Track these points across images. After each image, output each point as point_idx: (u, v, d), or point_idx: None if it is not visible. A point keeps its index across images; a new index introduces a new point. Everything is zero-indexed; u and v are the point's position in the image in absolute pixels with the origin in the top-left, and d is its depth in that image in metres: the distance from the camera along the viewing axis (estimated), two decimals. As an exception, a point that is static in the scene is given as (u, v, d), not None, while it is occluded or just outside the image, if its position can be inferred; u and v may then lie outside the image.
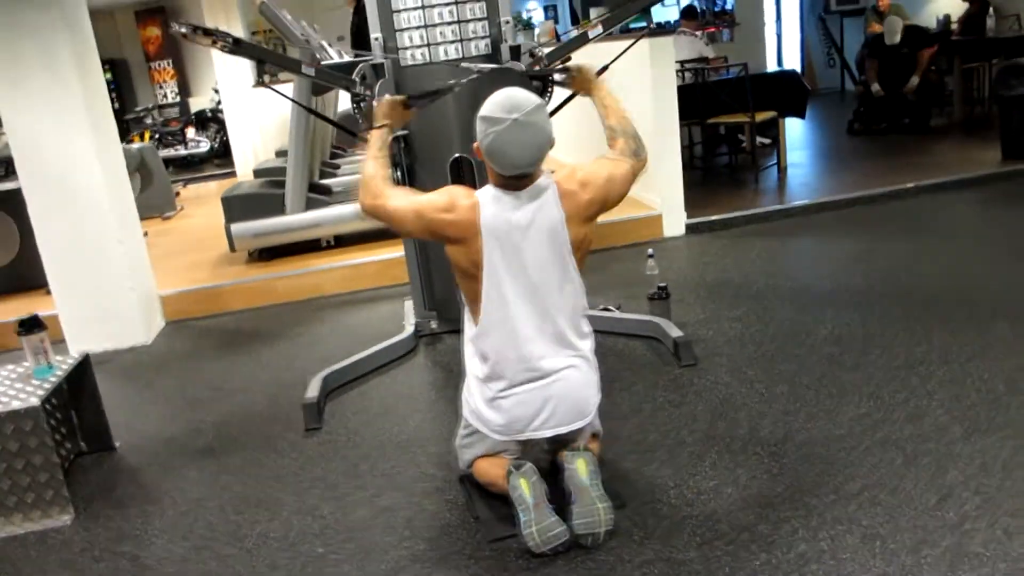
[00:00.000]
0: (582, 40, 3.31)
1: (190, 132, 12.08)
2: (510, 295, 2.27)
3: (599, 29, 3.23)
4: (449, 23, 3.47)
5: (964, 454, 2.38)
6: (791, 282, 4.08)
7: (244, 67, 9.20)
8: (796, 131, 8.33)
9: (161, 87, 13.16)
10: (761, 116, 6.17)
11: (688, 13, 8.17)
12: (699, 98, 6.33)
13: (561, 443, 2.35)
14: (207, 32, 2.74)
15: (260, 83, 2.92)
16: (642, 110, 5.23)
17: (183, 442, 3.15)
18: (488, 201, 2.26)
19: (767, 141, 7.06)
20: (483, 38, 3.50)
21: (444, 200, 2.28)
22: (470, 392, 2.41)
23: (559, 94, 3.36)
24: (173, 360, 4.14)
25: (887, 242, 4.53)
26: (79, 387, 3.06)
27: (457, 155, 3.48)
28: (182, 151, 11.84)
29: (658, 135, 5.05)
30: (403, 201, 2.34)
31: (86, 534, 2.56)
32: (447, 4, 3.43)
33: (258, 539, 2.41)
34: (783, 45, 12.13)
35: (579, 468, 2.20)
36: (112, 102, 13.20)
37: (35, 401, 2.58)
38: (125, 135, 11.85)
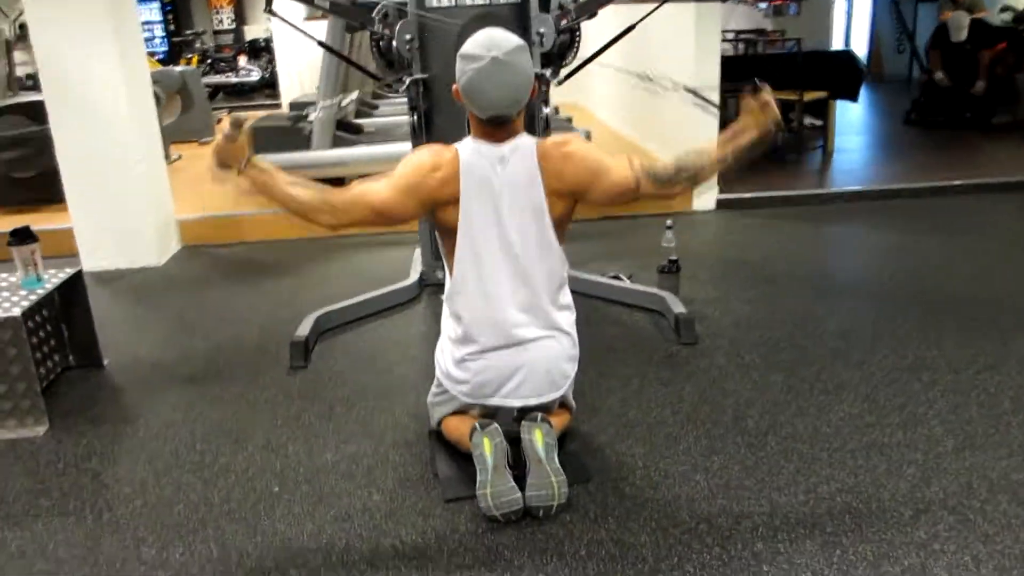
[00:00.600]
0: (609, -2, 3.17)
1: (242, 60, 12.10)
2: (484, 250, 2.18)
3: (630, -15, 3.08)
4: (479, -34, 3.35)
5: (951, 469, 2.27)
6: (812, 269, 3.94)
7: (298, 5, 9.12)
8: (852, 115, 8.05)
9: (218, 12, 13.17)
10: (810, 96, 5.93)
11: None
12: (747, 70, 6.10)
13: (530, 411, 2.29)
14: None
15: (268, 10, 2.84)
16: (682, 76, 5.06)
17: (170, 366, 3.16)
18: (468, 153, 2.16)
19: (818, 123, 6.81)
20: (511, -12, 3.37)
21: (429, 161, 2.15)
22: (442, 352, 2.35)
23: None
24: (180, 284, 4.15)
25: (921, 239, 4.34)
26: (71, 302, 3.07)
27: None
28: (233, 78, 11.87)
29: (697, 104, 4.87)
30: (384, 190, 2.13)
31: (56, 446, 2.58)
32: (479, -54, 3.31)
33: (219, 470, 2.40)
34: (852, 26, 11.67)
35: (536, 439, 2.13)
36: (167, 24, 13.34)
37: (16, 312, 2.58)
38: (177, 58, 11.92)
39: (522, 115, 2.19)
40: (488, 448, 2.12)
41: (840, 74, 6.16)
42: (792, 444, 2.42)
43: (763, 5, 7.45)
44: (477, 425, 2.18)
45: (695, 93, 2.77)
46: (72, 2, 3.98)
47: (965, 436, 2.42)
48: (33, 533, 2.14)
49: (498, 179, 2.15)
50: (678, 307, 3.27)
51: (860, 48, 11.42)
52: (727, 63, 5.20)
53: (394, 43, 3.32)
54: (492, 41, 2.07)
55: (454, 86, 2.14)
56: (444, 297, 2.33)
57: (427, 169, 2.14)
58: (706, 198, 5.04)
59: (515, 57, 2.07)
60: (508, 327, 2.21)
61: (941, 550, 1.94)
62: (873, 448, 2.38)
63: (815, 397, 2.69)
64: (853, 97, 6.32)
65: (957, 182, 5.18)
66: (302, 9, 9.19)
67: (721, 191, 5.07)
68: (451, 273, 2.27)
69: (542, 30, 3.33)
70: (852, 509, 2.10)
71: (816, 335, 3.17)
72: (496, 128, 2.15)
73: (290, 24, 3.22)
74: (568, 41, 3.44)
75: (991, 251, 4.16)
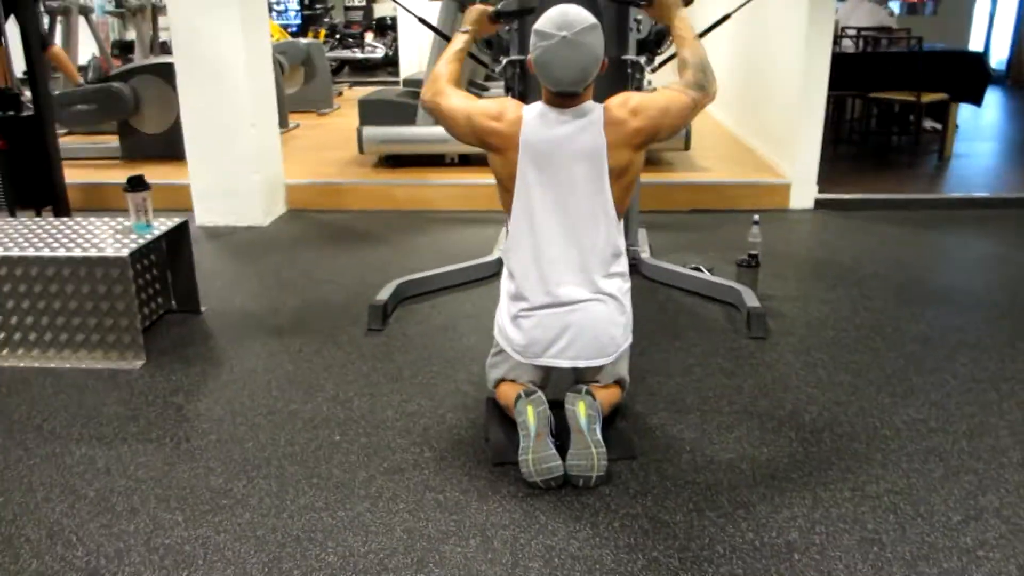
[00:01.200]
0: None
1: (368, 37, 12.47)
2: (538, 210, 2.29)
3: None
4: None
5: (1012, 481, 2.20)
6: (902, 274, 3.81)
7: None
8: (982, 120, 7.65)
9: (350, -11, 13.57)
10: (929, 97, 5.69)
11: None
12: (862, 69, 5.91)
13: (582, 380, 2.35)
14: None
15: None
16: (790, 71, 4.97)
17: (260, 318, 3.37)
18: (532, 115, 2.28)
19: (938, 126, 6.52)
20: (614, -30, 3.40)
21: (495, 108, 2.33)
22: (500, 310, 2.45)
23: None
24: (280, 244, 4.39)
25: (1028, 252, 4.14)
26: (176, 249, 3.32)
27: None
28: (359, 54, 12.25)
29: (803, 101, 4.78)
30: (459, 102, 2.39)
31: (149, 380, 2.82)
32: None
33: (288, 416, 2.57)
34: (994, 27, 11.03)
35: (579, 410, 2.19)
36: (301, -3, 13.76)
37: (125, 252, 2.82)
38: (308, 30, 12.39)
39: (591, 88, 2.29)
40: (531, 415, 2.20)
41: (963, 76, 5.87)
42: (847, 443, 2.39)
43: (893, 3, 7.11)
44: (522, 392, 2.26)
45: None
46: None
47: (1033, 452, 2.34)
48: (119, 453, 2.36)
49: (559, 142, 2.26)
50: (752, 301, 3.25)
51: (1001, 52, 10.80)
52: (842, 59, 5.07)
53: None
54: (564, 19, 2.17)
55: (528, 58, 2.25)
56: (501, 252, 2.43)
57: (489, 115, 2.32)
58: (805, 196, 4.93)
59: (584, 37, 2.16)
60: (556, 287, 2.29)
61: (985, 556, 1.90)
62: (932, 453, 2.33)
63: (880, 399, 2.64)
64: (977, 101, 6.02)
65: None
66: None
67: (822, 191, 4.95)
68: (508, 230, 2.37)
69: (639, 17, 3.35)
70: (898, 510, 2.08)
71: (893, 339, 3.09)
72: (563, 98, 2.26)
73: (399, 4, 3.34)
74: (665, 30, 3.43)
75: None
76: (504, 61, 3.48)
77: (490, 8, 2.73)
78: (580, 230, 2.29)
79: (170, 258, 3.33)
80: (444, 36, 3.93)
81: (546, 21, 2.20)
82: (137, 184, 3.03)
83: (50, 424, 2.54)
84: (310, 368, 2.91)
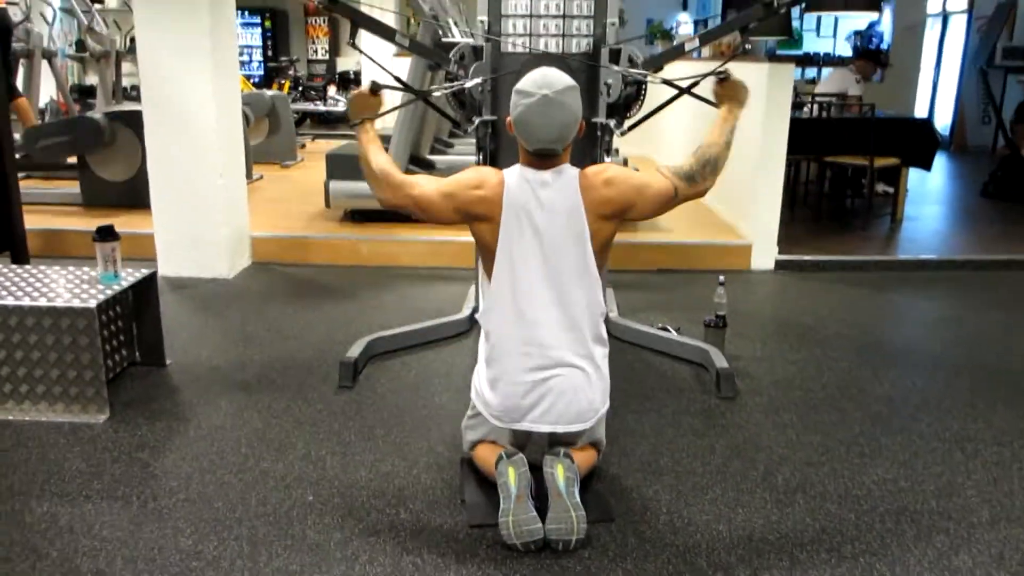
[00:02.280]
0: (678, 51, 3.27)
1: (331, 90, 12.54)
2: (521, 272, 2.30)
3: (696, 42, 3.17)
4: (554, 16, 3.48)
5: (984, 540, 2.24)
6: (864, 335, 3.91)
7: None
8: (929, 185, 7.94)
9: (313, 43, 13.72)
10: (881, 162, 5.89)
11: (867, 55, 7.91)
12: (819, 133, 6.11)
13: (558, 443, 2.35)
14: (304, -14, 2.85)
15: (351, 44, 2.99)
16: (749, 135, 5.10)
17: (226, 372, 3.31)
18: (513, 178, 2.32)
19: (890, 189, 6.74)
20: (586, 36, 3.49)
21: (474, 178, 2.34)
22: (477, 374, 2.44)
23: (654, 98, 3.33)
24: (246, 297, 4.34)
25: (981, 312, 4.27)
26: (143, 301, 3.26)
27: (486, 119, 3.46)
28: (320, 107, 12.30)
29: (761, 164, 4.92)
30: (430, 187, 2.37)
31: (113, 435, 2.74)
32: (555, -3, 3.45)
33: (259, 475, 2.52)
34: (938, 94, 11.51)
35: (558, 473, 2.19)
36: (265, 50, 13.90)
37: (92, 303, 2.77)
38: (271, 82, 12.43)
39: (569, 150, 2.34)
40: (512, 477, 2.19)
41: (914, 141, 6.10)
42: (821, 503, 2.42)
43: (858, 77, 7.40)
44: (503, 454, 2.25)
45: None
46: (178, 19, 4.25)
47: (1002, 508, 2.40)
48: (82, 512, 2.29)
49: (539, 203, 2.29)
50: (720, 361, 3.30)
51: (944, 118, 11.26)
52: (798, 124, 5.23)
53: (466, 86, 3.45)
54: (545, 79, 2.23)
55: (507, 118, 2.30)
56: (479, 315, 2.43)
57: (470, 185, 2.33)
58: (765, 258, 5.04)
59: (565, 96, 2.23)
60: (540, 348, 2.30)
61: (958, 622, 1.92)
62: (904, 513, 2.37)
63: (850, 459, 2.68)
64: (927, 166, 6.25)
65: (1026, 258, 5.08)
66: (391, 46, 9.60)
67: (781, 252, 5.06)
68: (487, 291, 2.38)
69: (609, 81, 3.43)
70: (875, 570, 2.10)
71: (859, 399, 3.16)
72: (542, 159, 2.31)
73: (371, 59, 3.38)
74: (634, 93, 3.53)
75: (1054, 332, 4.06)
76: (476, 121, 3.53)
77: (363, 88, 2.57)
78: (565, 289, 2.31)
79: (136, 310, 3.27)
80: (414, 91, 4.00)
81: (527, 81, 2.25)
82: (107, 234, 2.99)
83: (9, 480, 2.45)
84: (280, 425, 2.86)
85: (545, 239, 2.29)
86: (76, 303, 2.77)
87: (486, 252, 2.39)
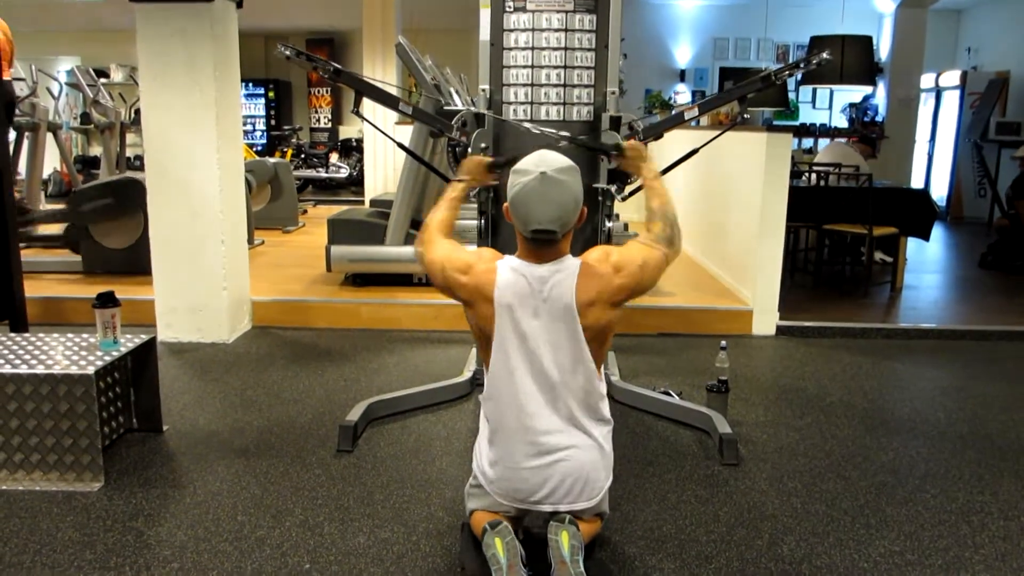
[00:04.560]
0: (677, 120, 3.32)
1: (333, 157, 12.74)
2: (517, 368, 2.26)
3: (695, 111, 3.23)
4: (555, 85, 3.55)
5: (994, 617, 2.19)
6: (868, 403, 3.88)
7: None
8: (927, 255, 7.99)
9: (316, 112, 13.96)
10: (880, 231, 5.94)
11: (865, 141, 8.10)
12: (818, 202, 6.18)
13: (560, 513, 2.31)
14: (309, 58, 2.91)
15: (355, 112, 3.04)
16: (750, 203, 5.17)
17: (224, 438, 3.27)
18: (506, 270, 2.26)
19: (888, 259, 6.78)
20: (586, 104, 3.56)
21: (465, 261, 2.32)
22: (479, 448, 2.41)
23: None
24: (246, 362, 4.32)
25: (984, 382, 4.24)
26: (141, 367, 3.24)
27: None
28: (323, 174, 12.48)
29: (763, 232, 4.96)
30: (438, 254, 2.39)
31: (107, 503, 2.70)
32: (555, 67, 3.52)
33: (255, 542, 2.47)
34: (933, 167, 11.67)
35: (562, 540, 2.14)
36: (269, 119, 14.17)
37: (91, 370, 2.75)
38: (274, 150, 12.62)
39: (568, 238, 2.29)
40: (500, 547, 2.14)
41: (912, 211, 6.16)
42: (826, 575, 2.36)
43: (843, 141, 7.54)
44: (487, 526, 2.21)
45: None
46: (184, 91, 4.35)
47: (1011, 586, 2.34)
48: (73, 582, 2.24)
49: (535, 299, 2.23)
50: (724, 427, 3.27)
51: (940, 189, 11.38)
52: (797, 193, 5.29)
53: (469, 150, 3.51)
54: (543, 159, 2.21)
55: (504, 204, 2.27)
56: (481, 398, 2.41)
57: (457, 267, 2.32)
58: (767, 323, 5.04)
59: (564, 176, 2.19)
60: (538, 435, 2.25)
61: None
62: (912, 589, 2.31)
63: (856, 530, 2.63)
64: (925, 235, 6.30)
65: (1027, 328, 5.07)
66: (392, 113, 9.77)
67: (782, 318, 5.07)
68: (487, 376, 2.36)
69: (612, 149, 3.48)
70: (883, 648, 2.04)
71: (864, 468, 3.11)
72: (539, 248, 2.25)
73: (374, 126, 3.45)
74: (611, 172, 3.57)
75: (1059, 401, 4.03)
76: (477, 187, 3.56)
77: (487, 159, 2.79)
78: (563, 384, 2.26)
79: (134, 376, 3.26)
80: (419, 159, 4.06)
81: (525, 162, 2.23)
82: (107, 300, 2.99)
83: (0, 550, 2.40)
84: (277, 491, 2.82)
85: (539, 334, 2.24)
86: (74, 369, 2.75)
87: (477, 336, 2.36)
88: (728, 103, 3.36)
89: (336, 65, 2.95)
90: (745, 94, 3.08)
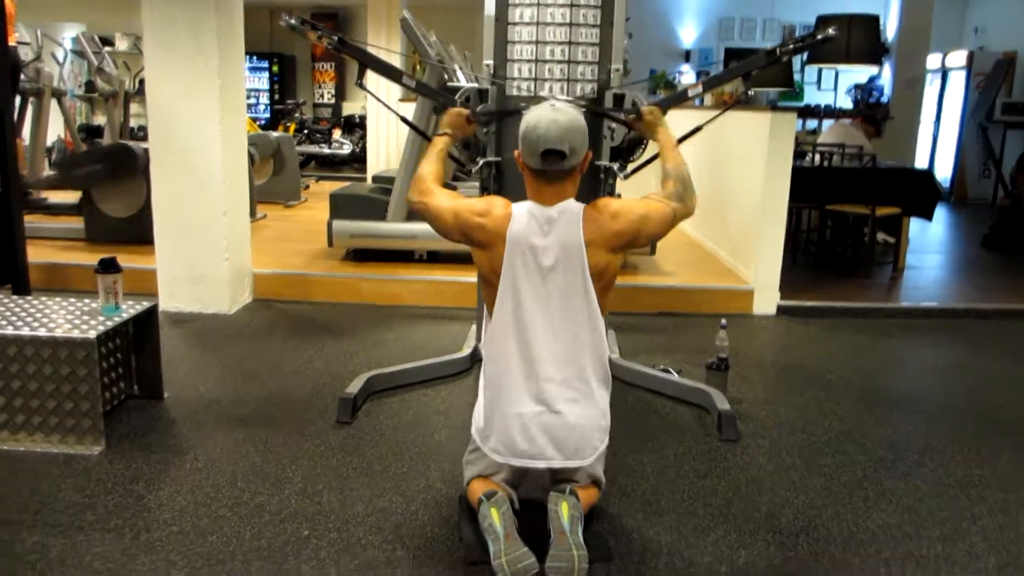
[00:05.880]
0: (681, 96, 3.30)
1: (336, 133, 12.69)
2: (525, 305, 2.30)
3: (699, 88, 3.21)
4: (560, 61, 3.51)
5: (989, 590, 2.20)
6: (867, 380, 3.88)
7: (395, 85, 9.58)
8: (930, 235, 7.97)
9: (320, 87, 13.90)
10: (883, 211, 5.92)
11: (869, 120, 8.04)
12: (821, 182, 6.16)
13: (559, 479, 2.32)
14: (314, 27, 2.89)
15: (359, 84, 3.00)
16: (753, 183, 5.15)
17: (224, 407, 3.28)
18: (521, 214, 2.31)
19: (891, 239, 6.75)
20: (590, 81, 3.52)
21: (482, 205, 2.38)
22: (478, 407, 2.42)
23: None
24: (246, 333, 4.33)
25: (984, 360, 4.25)
26: (143, 335, 3.25)
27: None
28: (326, 150, 12.43)
29: (765, 211, 4.95)
30: (445, 201, 2.43)
31: (108, 466, 2.71)
32: (560, 43, 3.48)
33: (254, 509, 2.48)
34: (938, 148, 11.61)
35: (562, 511, 2.16)
36: (272, 93, 14.10)
37: (92, 334, 2.76)
38: (277, 125, 12.57)
39: (575, 181, 2.34)
40: (496, 517, 2.16)
41: (915, 192, 6.13)
42: (824, 547, 2.38)
43: (846, 122, 7.49)
44: (483, 496, 2.23)
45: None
46: (187, 58, 4.32)
47: (1008, 555, 2.36)
48: (74, 543, 2.25)
49: (545, 239, 2.29)
50: (723, 403, 3.27)
51: (945, 170, 11.33)
52: (800, 173, 5.27)
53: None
54: (551, 102, 2.32)
55: (515, 152, 2.32)
56: (482, 344, 2.42)
57: (475, 211, 2.35)
58: (768, 302, 5.04)
59: (570, 108, 2.29)
60: (541, 383, 2.28)
61: (965, 671, 1.88)
62: (909, 559, 2.33)
63: (854, 503, 2.65)
64: (928, 216, 6.28)
65: (1028, 307, 5.07)
66: (398, 88, 9.71)
67: (783, 298, 5.06)
68: (490, 318, 2.37)
69: (613, 125, 3.46)
70: (877, 619, 2.05)
71: (862, 443, 3.12)
72: (548, 183, 2.30)
73: (378, 99, 3.43)
74: (637, 138, 3.55)
75: (1059, 381, 4.03)
76: (481, 162, 3.55)
77: (466, 110, 2.82)
78: (569, 326, 2.30)
79: (136, 342, 3.26)
80: (422, 133, 4.04)
81: (534, 108, 2.32)
82: (108, 266, 2.99)
83: (1, 510, 2.41)
84: (277, 460, 2.83)
85: (549, 276, 2.29)
86: (76, 334, 2.76)
87: (487, 282, 2.39)
88: (733, 80, 3.33)
89: (340, 36, 2.93)
90: (750, 70, 3.06)
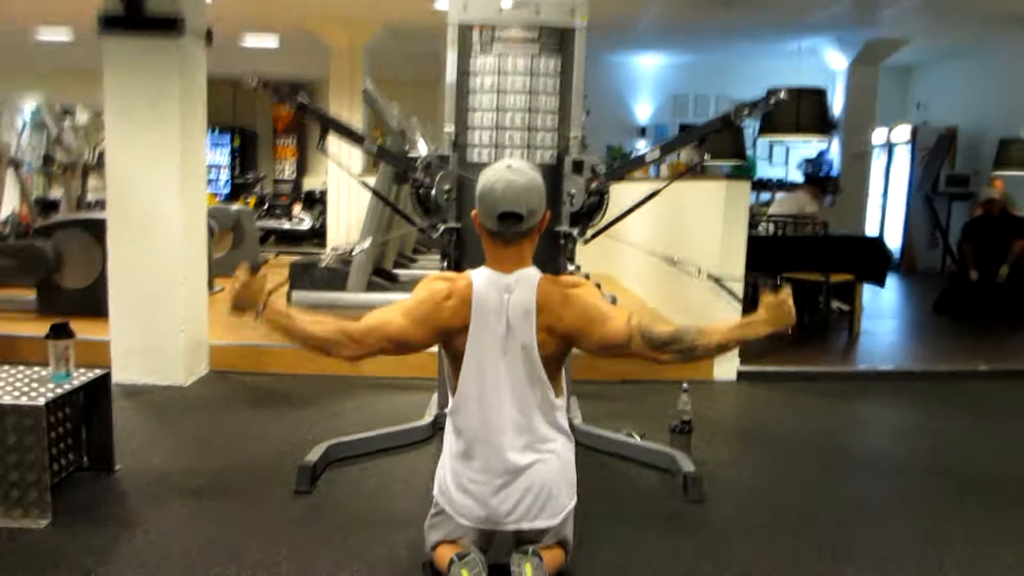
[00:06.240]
0: (639, 161, 3.38)
1: (296, 208, 12.70)
2: (488, 375, 2.27)
3: (657, 153, 3.29)
4: (519, 129, 3.58)
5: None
6: (829, 442, 3.90)
7: (356, 156, 9.69)
8: (883, 302, 8.13)
9: (281, 162, 13.97)
10: (837, 278, 6.05)
11: (814, 182, 8.31)
12: (775, 251, 6.29)
13: (525, 541, 2.27)
14: (276, 90, 2.93)
15: (320, 148, 3.04)
16: (709, 250, 5.24)
17: (178, 480, 3.18)
18: (480, 279, 2.29)
19: (846, 308, 6.88)
20: (549, 148, 3.59)
21: (442, 289, 2.28)
22: (443, 470, 2.38)
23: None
24: (202, 405, 4.23)
25: (942, 420, 4.30)
26: (94, 404, 3.15)
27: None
28: (285, 224, 12.42)
29: (718, 292, 5.01)
30: (398, 319, 2.27)
31: (54, 541, 2.59)
32: (520, 111, 3.56)
33: (208, 582, 2.39)
34: (886, 219, 11.96)
35: (526, 572, 2.11)
36: (233, 167, 14.11)
37: (40, 401, 2.67)
38: (237, 198, 12.56)
39: (532, 244, 2.31)
40: (467, 579, 2.11)
41: (867, 259, 6.29)
42: (794, 608, 2.35)
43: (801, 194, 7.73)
44: (454, 556, 2.18)
45: (718, 282, 2.87)
46: (148, 127, 4.30)
47: (977, 612, 2.34)
48: (15, 622, 2.14)
49: (504, 308, 2.26)
50: (688, 465, 3.25)
51: (894, 241, 11.65)
52: (755, 242, 5.37)
53: (433, 192, 3.52)
54: (508, 161, 2.29)
55: (473, 212, 2.29)
56: (448, 412, 2.38)
57: (441, 297, 2.27)
58: (727, 368, 5.07)
59: (527, 168, 2.26)
60: (504, 451, 2.25)
61: None
62: (879, 619, 2.30)
63: (823, 562, 2.63)
64: (880, 282, 6.42)
65: (983, 368, 5.17)
66: (360, 160, 9.79)
67: (743, 363, 5.10)
68: (454, 391, 2.34)
69: (572, 191, 3.51)
70: None
71: (827, 503, 3.12)
72: (506, 245, 2.26)
73: (339, 164, 3.45)
74: (596, 203, 3.60)
75: (1011, 434, 4.09)
76: (442, 228, 3.57)
77: (241, 274, 2.39)
78: (522, 393, 2.27)
79: (86, 412, 3.16)
80: (383, 199, 4.06)
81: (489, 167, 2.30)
82: (60, 331, 2.92)
83: (-63, 590, 2.29)
84: (233, 531, 2.74)
85: (508, 342, 2.26)
86: (24, 400, 2.67)
87: (454, 357, 2.34)
88: (689, 144, 3.43)
89: (301, 100, 2.96)
90: (705, 135, 3.15)
